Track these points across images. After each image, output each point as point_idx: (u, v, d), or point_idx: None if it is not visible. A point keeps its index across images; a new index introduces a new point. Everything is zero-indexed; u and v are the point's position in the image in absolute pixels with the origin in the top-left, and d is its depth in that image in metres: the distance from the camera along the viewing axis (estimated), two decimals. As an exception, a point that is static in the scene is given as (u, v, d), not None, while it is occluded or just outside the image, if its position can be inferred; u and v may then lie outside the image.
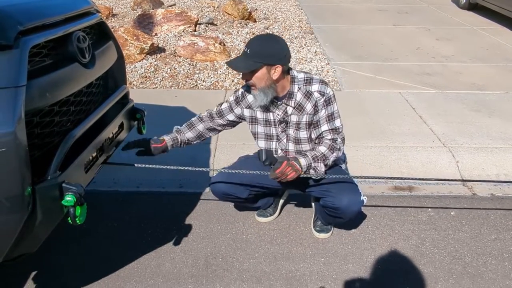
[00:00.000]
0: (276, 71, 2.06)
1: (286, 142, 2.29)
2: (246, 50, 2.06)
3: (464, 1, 8.53)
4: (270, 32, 6.27)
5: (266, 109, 2.24)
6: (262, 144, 2.35)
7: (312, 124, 2.23)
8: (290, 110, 2.20)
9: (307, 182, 2.30)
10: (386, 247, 2.44)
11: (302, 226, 2.61)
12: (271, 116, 2.26)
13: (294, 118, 2.21)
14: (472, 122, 3.81)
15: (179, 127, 2.39)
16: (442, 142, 3.46)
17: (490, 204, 2.87)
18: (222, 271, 2.25)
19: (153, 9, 7.03)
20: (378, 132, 3.61)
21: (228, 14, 6.93)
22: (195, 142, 2.41)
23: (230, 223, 2.62)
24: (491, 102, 4.25)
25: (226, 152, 3.26)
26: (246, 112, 2.31)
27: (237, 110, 2.32)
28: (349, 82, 4.75)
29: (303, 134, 2.25)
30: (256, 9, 7.74)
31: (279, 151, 2.32)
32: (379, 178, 3.04)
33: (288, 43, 6.23)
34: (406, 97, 4.34)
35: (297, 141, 2.27)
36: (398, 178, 3.04)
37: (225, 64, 2.14)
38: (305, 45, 5.88)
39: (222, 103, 2.38)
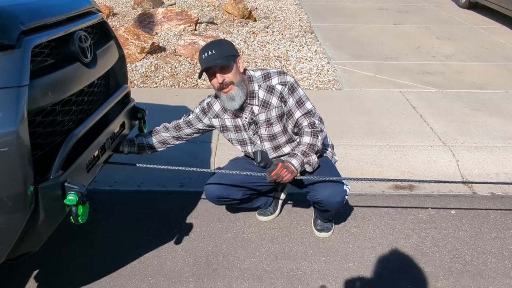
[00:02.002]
0: (241, 62, 2.15)
1: (261, 143, 2.30)
2: (209, 52, 2.04)
3: (464, 0, 8.53)
4: (268, 31, 6.27)
5: (234, 115, 2.26)
6: (240, 148, 2.38)
7: (283, 116, 2.24)
8: (256, 109, 2.21)
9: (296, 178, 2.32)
10: (387, 246, 2.45)
11: (303, 225, 2.62)
12: (239, 121, 2.27)
13: (262, 117, 2.22)
14: (472, 121, 3.82)
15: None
16: (443, 141, 3.46)
17: (490, 203, 2.88)
18: (223, 269, 2.26)
19: (153, 8, 7.03)
20: (379, 131, 3.61)
21: (229, 13, 6.93)
22: (160, 149, 2.43)
23: (231, 222, 2.63)
24: (491, 101, 4.25)
25: (227, 151, 3.26)
26: (215, 122, 2.33)
27: (206, 120, 2.35)
28: (349, 81, 4.76)
29: (277, 128, 2.25)
30: (256, 8, 7.73)
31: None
32: (378, 180, 3.04)
33: (288, 42, 6.21)
34: (407, 96, 4.34)
35: (272, 137, 2.28)
36: (397, 180, 3.05)
37: (200, 75, 2.14)
38: (305, 44, 5.88)
39: (189, 114, 2.40)
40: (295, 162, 2.11)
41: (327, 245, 2.45)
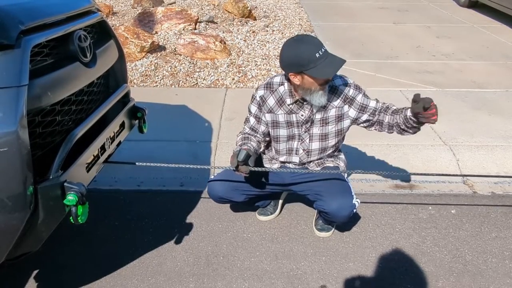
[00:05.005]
0: None
1: (309, 142, 2.27)
2: (324, 50, 2.01)
3: (464, -2, 8.52)
4: (268, 30, 6.26)
5: (289, 111, 2.21)
6: (282, 146, 2.32)
7: (342, 117, 2.22)
8: (315, 108, 2.18)
9: (303, 184, 2.32)
10: (387, 246, 2.44)
11: (303, 224, 2.61)
12: (293, 117, 2.22)
13: (318, 116, 2.20)
14: (473, 120, 3.81)
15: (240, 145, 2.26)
16: (443, 140, 3.46)
17: (491, 202, 2.87)
18: (223, 269, 2.26)
19: (153, 7, 7.02)
20: (379, 130, 3.61)
21: (229, 12, 6.92)
22: (259, 151, 2.38)
23: (231, 221, 2.63)
24: (491, 100, 4.25)
25: (227, 150, 3.26)
26: (268, 117, 2.26)
27: (263, 117, 2.28)
28: (349, 80, 4.75)
29: (332, 128, 2.23)
30: (256, 7, 7.72)
31: (301, 150, 2.31)
32: (379, 173, 3.04)
33: (288, 41, 6.05)
34: (407, 95, 4.34)
35: (324, 137, 2.25)
36: (398, 174, 3.06)
37: (332, 75, 2.06)
38: (305, 43, 5.87)
39: (248, 117, 2.33)
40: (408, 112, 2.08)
41: (327, 244, 2.45)
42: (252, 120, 2.32)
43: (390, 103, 2.24)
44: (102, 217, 2.63)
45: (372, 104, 2.22)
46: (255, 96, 2.27)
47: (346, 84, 2.20)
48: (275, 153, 2.38)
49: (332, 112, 2.20)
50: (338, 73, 2.12)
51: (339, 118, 2.23)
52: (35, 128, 1.53)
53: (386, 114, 2.20)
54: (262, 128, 2.31)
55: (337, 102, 2.19)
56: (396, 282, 2.19)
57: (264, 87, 2.26)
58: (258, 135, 2.33)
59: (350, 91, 2.19)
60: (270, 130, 2.30)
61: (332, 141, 2.29)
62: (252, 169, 2.09)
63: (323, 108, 2.18)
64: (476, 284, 2.18)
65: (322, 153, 2.33)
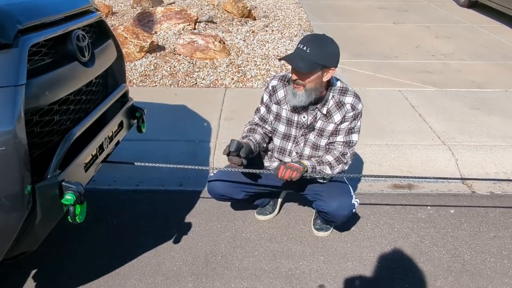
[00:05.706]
0: (329, 74, 2.04)
1: (303, 146, 2.27)
2: (304, 48, 1.97)
3: (464, -2, 8.53)
4: (268, 30, 6.26)
5: (293, 109, 2.21)
6: (277, 142, 2.33)
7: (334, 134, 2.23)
8: (319, 115, 2.18)
9: (302, 184, 2.32)
10: (386, 245, 2.45)
11: (301, 224, 2.61)
12: (295, 117, 2.22)
13: (319, 124, 2.19)
14: (472, 120, 3.81)
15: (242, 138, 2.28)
16: (442, 140, 3.46)
17: (489, 202, 2.88)
18: (222, 269, 2.26)
19: (153, 7, 7.03)
20: (378, 130, 3.61)
21: (228, 12, 6.92)
22: (264, 145, 2.36)
23: (229, 221, 2.63)
24: (490, 100, 4.25)
25: (226, 150, 3.26)
26: (274, 108, 2.27)
27: (272, 107, 2.28)
28: (348, 80, 4.75)
29: (324, 142, 2.23)
30: (255, 7, 7.72)
31: (294, 153, 2.31)
32: (378, 176, 3.05)
33: (288, 41, 6.15)
34: (406, 95, 4.34)
35: (316, 147, 2.25)
36: (396, 177, 3.06)
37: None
38: (304, 43, 5.86)
39: (259, 107, 2.34)
40: (306, 162, 2.11)
41: (325, 244, 2.45)
42: (263, 109, 2.33)
43: (333, 153, 2.20)
44: (100, 216, 2.63)
45: (339, 138, 2.20)
46: (268, 85, 2.29)
47: (352, 106, 2.15)
48: (272, 146, 2.40)
49: (330, 127, 2.19)
50: (355, 90, 2.18)
51: (333, 134, 2.22)
52: (32, 127, 1.53)
53: (323, 153, 2.24)
54: (271, 118, 2.31)
55: (338, 119, 2.17)
56: (394, 281, 2.19)
57: (278, 78, 2.27)
58: (266, 126, 2.33)
59: (349, 115, 2.16)
60: (271, 121, 2.32)
61: (321, 153, 2.27)
62: (246, 171, 2.13)
63: (325, 118, 2.17)
64: (474, 283, 2.18)
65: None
